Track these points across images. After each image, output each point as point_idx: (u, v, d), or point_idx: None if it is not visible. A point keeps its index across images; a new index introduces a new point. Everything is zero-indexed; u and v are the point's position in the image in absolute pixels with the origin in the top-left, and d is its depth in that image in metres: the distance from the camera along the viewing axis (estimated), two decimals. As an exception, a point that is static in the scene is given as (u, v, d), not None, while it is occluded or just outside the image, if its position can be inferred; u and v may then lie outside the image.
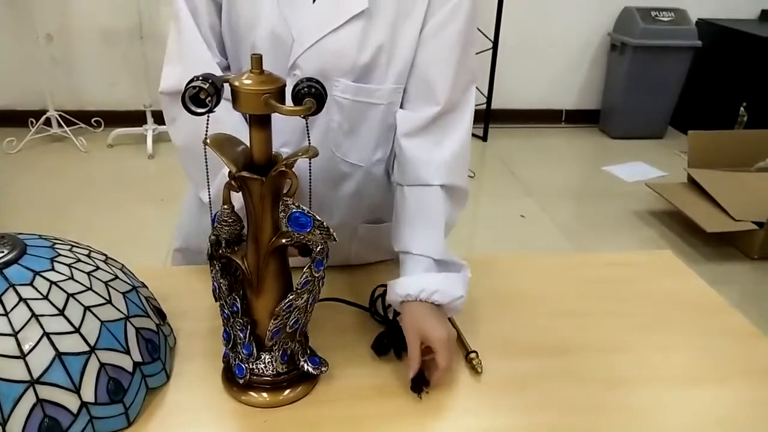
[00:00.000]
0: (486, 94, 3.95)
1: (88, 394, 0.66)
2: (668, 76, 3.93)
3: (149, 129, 3.48)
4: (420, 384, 0.76)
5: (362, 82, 0.84)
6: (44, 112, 3.46)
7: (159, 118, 3.51)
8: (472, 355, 0.82)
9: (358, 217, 0.98)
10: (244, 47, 0.83)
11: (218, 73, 0.81)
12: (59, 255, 0.73)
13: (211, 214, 0.72)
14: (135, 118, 3.53)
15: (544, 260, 1.15)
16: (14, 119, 3.53)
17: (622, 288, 1.02)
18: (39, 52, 3.44)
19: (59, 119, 3.47)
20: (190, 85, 0.61)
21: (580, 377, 0.82)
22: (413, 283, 0.81)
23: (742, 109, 3.57)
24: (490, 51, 3.84)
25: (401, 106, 0.88)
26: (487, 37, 3.84)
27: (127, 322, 0.73)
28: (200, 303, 0.90)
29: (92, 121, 3.62)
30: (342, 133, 0.87)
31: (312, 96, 0.62)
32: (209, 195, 0.71)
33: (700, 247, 2.73)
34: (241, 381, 0.75)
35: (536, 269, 1.08)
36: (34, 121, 3.45)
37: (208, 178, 0.70)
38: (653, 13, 3.84)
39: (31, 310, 0.65)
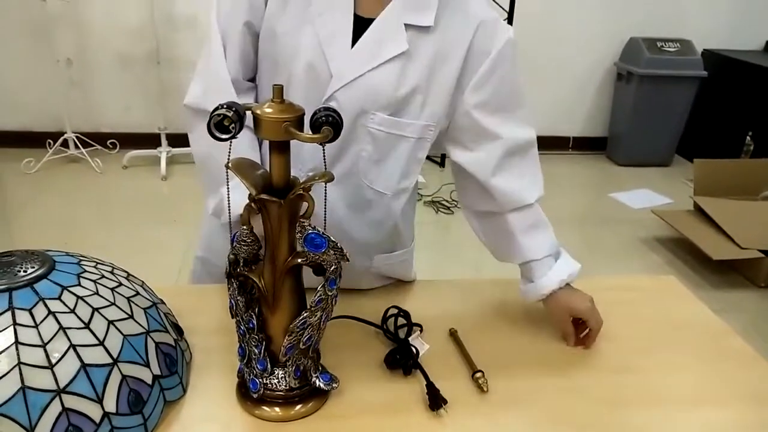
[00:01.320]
0: (494, 120, 4.01)
1: (110, 404, 0.69)
2: (674, 104, 3.98)
3: (163, 151, 3.55)
4: (438, 401, 0.79)
5: (397, 116, 0.88)
6: (62, 133, 3.54)
7: (173, 140, 3.58)
8: (478, 374, 0.85)
9: (375, 245, 1.01)
10: (281, 76, 0.87)
11: (236, 96, 0.87)
12: (85, 271, 0.77)
13: (228, 223, 0.77)
14: (149, 141, 3.61)
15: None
16: (33, 140, 3.62)
17: (625, 311, 1.04)
18: (58, 76, 3.54)
19: (76, 141, 3.55)
20: (215, 113, 0.65)
21: (584, 397, 0.84)
22: (552, 279, 0.95)
23: (748, 138, 3.60)
24: (498, 79, 3.90)
25: (467, 150, 0.95)
26: (495, 65, 3.91)
27: (148, 337, 0.76)
28: (214, 320, 0.93)
29: (108, 142, 3.70)
30: (372, 162, 0.91)
31: (329, 125, 0.66)
32: (228, 211, 0.74)
33: (706, 274, 2.73)
34: (255, 395, 0.77)
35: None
36: (51, 142, 3.53)
37: (229, 199, 0.74)
38: (659, 44, 3.91)
39: (59, 323, 0.69)
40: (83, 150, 3.55)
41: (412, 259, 1.11)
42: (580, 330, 0.95)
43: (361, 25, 0.85)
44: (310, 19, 0.84)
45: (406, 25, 0.84)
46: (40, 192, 3.28)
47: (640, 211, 3.42)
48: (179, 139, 3.55)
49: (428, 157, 1.00)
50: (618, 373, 0.89)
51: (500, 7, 3.76)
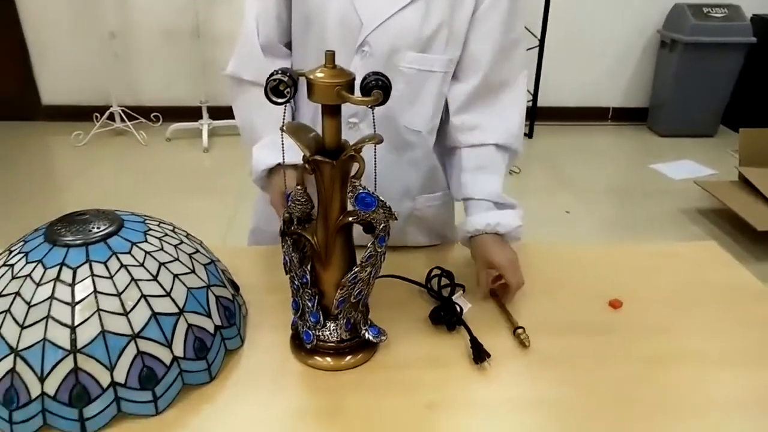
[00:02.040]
0: (531, 91, 3.96)
1: (178, 349, 0.75)
2: (720, 73, 3.86)
3: (205, 124, 3.64)
4: (482, 355, 0.83)
5: (425, 52, 0.93)
6: (108, 107, 3.66)
7: (214, 113, 3.66)
8: (519, 330, 0.88)
9: (417, 186, 1.07)
10: (314, 29, 0.94)
11: (267, 64, 0.95)
12: (150, 229, 0.83)
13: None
14: (191, 114, 3.70)
15: (589, 249, 1.20)
16: (81, 114, 3.76)
17: (664, 275, 1.06)
18: (103, 50, 3.65)
19: (122, 114, 3.67)
20: (270, 78, 0.69)
21: (621, 355, 0.87)
22: (479, 220, 0.96)
23: (798, 106, 3.47)
24: (537, 48, 3.85)
25: (453, 79, 0.99)
26: (533, 34, 3.85)
27: (209, 290, 0.82)
28: (265, 280, 0.98)
29: (151, 115, 3.81)
30: (406, 101, 0.96)
31: (379, 88, 0.69)
32: (285, 176, 0.79)
33: (749, 245, 2.69)
34: (309, 346, 0.82)
35: (582, 257, 1.13)
36: (98, 115, 3.66)
37: (284, 164, 0.79)
38: (705, 10, 3.78)
39: (130, 275, 0.75)
40: (128, 123, 3.66)
41: (453, 204, 1.16)
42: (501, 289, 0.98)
43: None
44: None
45: None
46: (88, 163, 3.41)
47: (681, 182, 3.36)
48: (220, 112, 3.63)
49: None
50: (656, 333, 0.91)
51: (540, -26, 3.68)
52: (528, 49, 3.86)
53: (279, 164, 0.93)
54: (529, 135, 4.04)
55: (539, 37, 3.82)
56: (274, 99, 0.69)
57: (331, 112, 0.72)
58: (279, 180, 0.92)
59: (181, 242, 0.85)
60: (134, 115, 3.74)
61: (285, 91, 0.69)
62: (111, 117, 3.68)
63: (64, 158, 3.56)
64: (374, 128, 0.74)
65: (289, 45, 1.02)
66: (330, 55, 0.70)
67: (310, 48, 0.96)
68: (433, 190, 1.10)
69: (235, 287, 0.92)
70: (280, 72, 0.69)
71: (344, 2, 0.90)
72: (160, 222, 0.88)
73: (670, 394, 0.80)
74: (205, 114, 3.66)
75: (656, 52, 4.11)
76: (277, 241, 1.14)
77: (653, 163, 3.66)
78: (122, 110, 3.68)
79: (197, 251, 0.87)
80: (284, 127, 0.73)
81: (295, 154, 0.94)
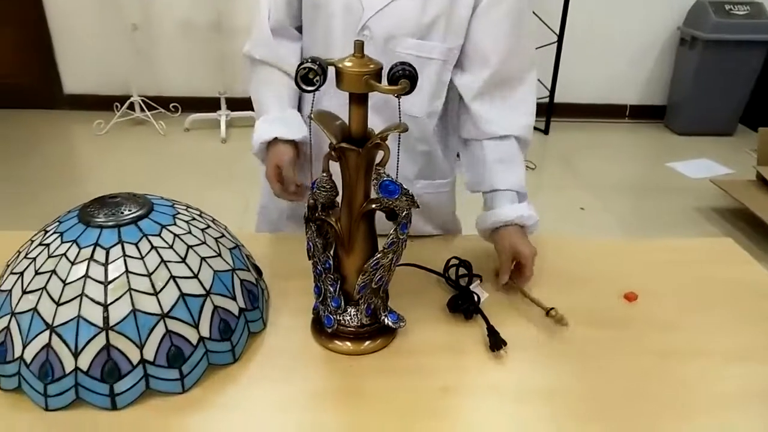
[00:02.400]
0: (549, 87, 3.95)
1: (204, 330, 0.77)
2: (741, 71, 3.82)
3: (223, 114, 3.67)
4: (498, 343, 0.84)
5: (423, 39, 0.96)
6: (128, 97, 3.71)
7: (232, 104, 3.70)
8: (552, 311, 0.90)
9: (416, 171, 1.10)
10: (321, 14, 0.99)
11: (276, 47, 1.03)
12: (179, 213, 0.85)
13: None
14: (210, 104, 3.74)
15: (604, 243, 1.21)
16: (102, 104, 3.81)
17: (680, 270, 1.07)
18: (125, 41, 3.69)
19: (141, 104, 3.72)
20: (301, 67, 0.71)
21: (636, 348, 0.88)
22: (508, 212, 0.99)
23: (819, 106, 3.43)
24: (555, 44, 3.83)
25: (462, 71, 1.01)
26: (551, 29, 3.83)
27: (234, 274, 0.84)
28: (286, 266, 1.00)
29: (170, 106, 3.86)
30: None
31: (406, 77, 0.71)
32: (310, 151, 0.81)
33: (765, 245, 2.67)
34: (330, 330, 0.85)
35: (598, 251, 1.14)
36: (119, 105, 3.71)
37: (311, 155, 0.81)
38: (727, 7, 3.74)
39: (160, 256, 0.77)
40: (148, 113, 3.71)
41: (454, 195, 1.19)
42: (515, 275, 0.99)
43: None
44: None
45: None
46: (108, 152, 3.46)
47: (698, 181, 3.34)
48: (238, 103, 3.66)
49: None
50: (670, 327, 0.92)
51: (559, -31, 3.66)
52: (546, 45, 3.87)
53: (276, 138, 0.98)
54: (545, 131, 4.03)
55: (558, 33, 3.80)
56: (304, 87, 0.71)
57: (359, 100, 0.74)
58: (275, 153, 0.98)
59: (208, 226, 0.88)
60: (154, 105, 3.79)
61: (314, 80, 0.71)
62: (131, 107, 3.72)
63: (85, 146, 3.62)
64: (399, 117, 0.75)
65: (299, 29, 1.06)
66: (359, 45, 0.72)
67: (318, 32, 1.01)
68: (432, 177, 1.12)
69: (258, 272, 0.94)
70: (309, 60, 0.71)
71: None
72: (188, 207, 0.90)
73: (683, 388, 0.81)
74: (223, 105, 3.69)
75: (675, 49, 4.08)
76: (282, 218, 1.17)
77: (670, 161, 3.64)
78: (142, 100, 3.73)
79: (223, 236, 0.89)
80: (312, 115, 0.75)
81: (291, 131, 0.99)
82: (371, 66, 0.71)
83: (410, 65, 0.72)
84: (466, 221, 1.21)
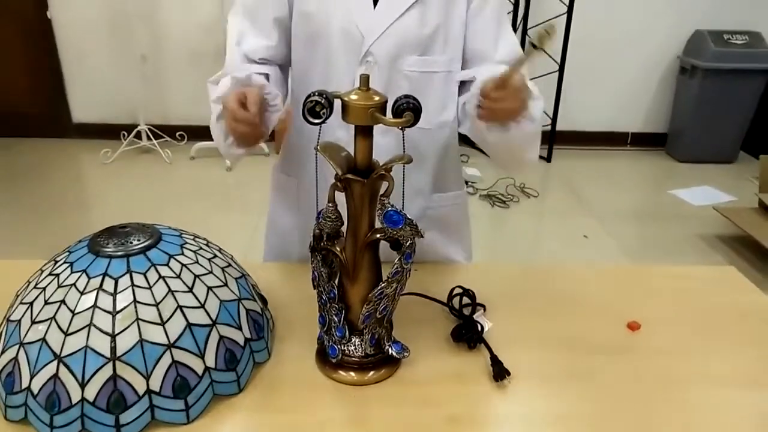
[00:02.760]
0: (551, 115, 3.99)
1: (210, 360, 0.78)
2: (741, 99, 3.86)
3: (228, 143, 3.71)
4: (502, 373, 0.84)
5: (425, 55, 0.99)
6: (135, 126, 3.76)
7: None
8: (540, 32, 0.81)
9: (429, 184, 1.11)
10: (321, 44, 1.00)
11: (246, 71, 0.99)
12: (186, 243, 0.87)
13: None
14: (215, 133, 3.78)
15: (608, 270, 1.21)
16: (109, 132, 3.87)
17: (683, 298, 1.07)
18: (134, 72, 3.76)
19: (148, 132, 3.77)
20: (308, 100, 0.73)
21: (639, 376, 0.88)
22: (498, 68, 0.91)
23: (820, 134, 3.45)
24: (557, 73, 3.89)
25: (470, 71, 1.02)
26: (552, 58, 3.89)
27: (240, 303, 0.85)
28: (291, 295, 1.01)
29: (177, 134, 3.91)
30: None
31: (410, 110, 0.72)
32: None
33: (769, 273, 2.67)
34: (334, 360, 0.85)
35: (600, 278, 1.14)
36: (126, 134, 3.76)
37: (317, 186, 0.82)
38: (726, 36, 3.80)
39: (168, 286, 0.78)
40: (155, 141, 3.76)
41: (467, 209, 1.21)
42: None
43: None
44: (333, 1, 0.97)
45: None
46: (115, 180, 3.50)
47: (701, 208, 3.35)
48: (243, 132, 3.70)
49: (483, 151, 1.07)
50: (673, 355, 0.92)
51: (560, 0, 3.74)
52: (547, 74, 3.92)
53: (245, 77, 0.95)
54: (547, 159, 4.06)
55: (558, 62, 3.86)
56: (311, 119, 0.73)
57: (364, 132, 0.76)
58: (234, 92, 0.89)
59: (215, 256, 0.89)
60: (160, 133, 3.84)
61: (321, 112, 0.73)
62: (138, 135, 3.78)
63: (92, 175, 3.66)
64: (404, 148, 0.77)
65: (281, 66, 1.07)
66: (364, 78, 0.74)
67: (318, 63, 1.01)
68: (446, 189, 1.14)
69: (264, 301, 0.95)
70: (316, 94, 0.73)
71: (345, 19, 0.97)
72: (195, 236, 0.92)
73: (688, 414, 0.81)
74: (228, 133, 3.74)
75: (676, 77, 4.13)
76: (291, 235, 1.18)
77: (672, 188, 3.65)
78: (149, 129, 3.78)
79: (229, 265, 0.90)
80: (318, 146, 0.77)
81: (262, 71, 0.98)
82: (376, 99, 0.73)
83: (414, 98, 0.74)
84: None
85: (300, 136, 1.10)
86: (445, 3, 0.99)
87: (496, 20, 1.03)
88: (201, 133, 3.86)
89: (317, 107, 0.73)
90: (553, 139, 4.04)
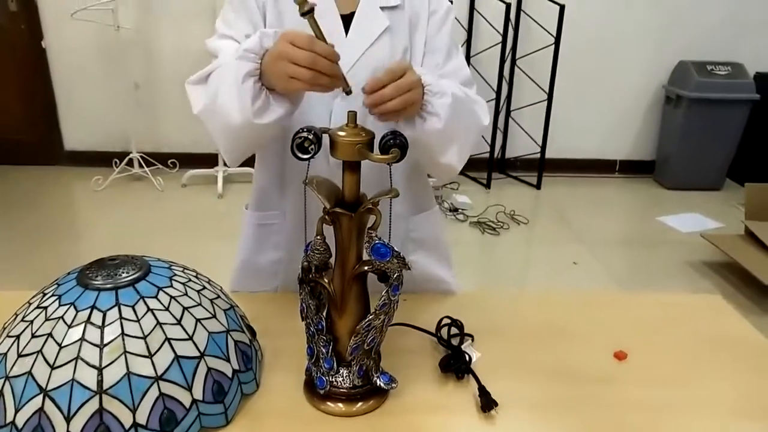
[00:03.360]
0: (540, 143, 4.05)
1: (197, 392, 0.78)
2: (725, 128, 3.93)
3: (220, 170, 3.73)
4: (489, 403, 0.85)
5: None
6: (127, 153, 3.78)
7: (228, 160, 3.76)
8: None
9: (406, 207, 1.12)
10: None
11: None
12: (175, 275, 0.87)
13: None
14: (207, 160, 3.80)
15: (594, 298, 1.22)
16: (101, 160, 3.87)
17: (669, 326, 1.08)
18: (126, 100, 3.79)
19: (140, 160, 3.78)
20: (297, 136, 0.75)
21: (626, 406, 0.88)
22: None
23: (803, 162, 3.52)
24: (545, 102, 3.95)
25: None
26: (541, 88, 3.96)
27: (228, 335, 0.85)
28: (279, 325, 1.01)
29: (169, 162, 3.92)
30: (381, 126, 0.91)
31: (397, 146, 0.74)
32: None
33: (757, 299, 2.69)
34: (322, 392, 0.85)
35: (587, 306, 1.15)
36: (118, 161, 3.77)
37: (305, 219, 0.83)
38: (709, 67, 3.89)
39: (156, 318, 0.78)
40: (146, 169, 3.77)
41: (443, 227, 1.23)
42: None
43: (346, 21, 1.01)
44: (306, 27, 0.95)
45: (381, 7, 1.02)
46: (107, 208, 3.50)
47: (689, 235, 3.38)
48: (235, 160, 3.72)
49: (474, 179, 1.09)
50: (659, 384, 0.93)
51: (547, 31, 3.83)
52: (536, 103, 3.99)
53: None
54: (537, 186, 4.10)
55: (547, 91, 3.93)
56: (300, 155, 0.74)
57: (351, 168, 0.77)
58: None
59: (204, 287, 0.89)
60: (152, 161, 3.85)
61: (309, 148, 0.75)
62: (130, 163, 3.78)
63: (83, 202, 3.65)
64: (390, 182, 0.78)
65: None
66: (352, 116, 0.76)
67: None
68: (423, 210, 1.16)
69: (252, 332, 0.95)
70: (305, 130, 0.75)
71: None
72: (185, 268, 0.92)
73: (677, 446, 0.81)
74: (220, 161, 3.76)
75: (662, 107, 4.21)
76: (266, 275, 1.17)
77: (660, 215, 3.69)
78: (141, 156, 3.79)
79: (218, 297, 0.90)
80: (306, 180, 0.78)
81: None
82: (363, 135, 0.75)
83: (400, 134, 0.76)
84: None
85: (270, 173, 1.10)
86: (409, 27, 1.04)
87: (449, 39, 1.07)
88: (193, 160, 3.88)
89: (306, 143, 0.74)
90: (542, 166, 4.08)
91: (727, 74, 3.88)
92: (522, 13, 3.92)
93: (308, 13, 0.75)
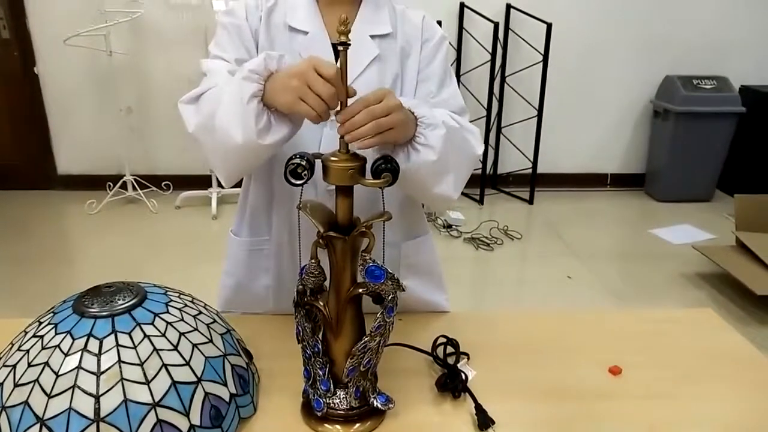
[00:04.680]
0: (531, 158, 4.08)
1: (195, 418, 0.78)
2: (713, 140, 3.98)
3: (214, 192, 3.74)
4: (487, 422, 0.85)
5: None
6: (121, 176, 3.78)
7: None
8: None
9: (399, 234, 1.12)
10: None
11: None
12: (171, 300, 0.88)
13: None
14: (201, 182, 3.81)
15: (586, 315, 1.23)
16: (95, 183, 3.88)
17: (662, 341, 1.09)
18: (119, 123, 3.81)
19: (134, 183, 3.78)
20: (290, 162, 0.76)
21: (621, 422, 0.89)
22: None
23: (791, 172, 3.56)
24: (535, 118, 4.00)
25: None
26: (531, 104, 4.01)
27: (225, 359, 0.86)
28: (275, 347, 1.01)
29: (162, 184, 3.93)
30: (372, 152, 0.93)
31: (388, 171, 0.76)
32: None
33: (751, 310, 2.70)
34: (319, 414, 0.85)
35: (580, 322, 1.17)
36: (111, 184, 3.77)
37: (300, 242, 0.84)
38: (695, 81, 3.95)
39: (153, 345, 0.79)
40: (140, 191, 3.77)
41: (436, 252, 1.23)
42: None
43: (336, 49, 0.98)
44: (297, 56, 0.99)
45: (371, 36, 1.03)
46: (101, 231, 3.49)
47: (681, 247, 3.41)
48: (228, 181, 3.74)
49: (467, 195, 1.10)
50: (654, 399, 0.94)
51: (535, 49, 3.88)
52: (527, 119, 4.03)
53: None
54: (530, 201, 4.13)
55: (537, 107, 3.97)
56: (293, 181, 0.76)
57: (344, 192, 0.79)
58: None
59: (200, 312, 0.90)
60: (146, 183, 3.86)
61: (302, 174, 0.76)
62: (123, 186, 3.79)
63: (77, 226, 3.65)
64: (383, 205, 0.80)
65: None
66: (344, 143, 0.77)
67: None
68: (415, 236, 1.16)
69: (249, 356, 0.96)
70: (298, 156, 0.76)
71: None
72: (180, 293, 0.93)
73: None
74: (214, 182, 3.77)
75: (650, 120, 4.26)
76: (259, 298, 1.17)
77: (652, 227, 3.72)
78: (134, 179, 3.80)
79: (214, 321, 0.91)
80: (300, 205, 0.79)
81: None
82: (356, 161, 0.76)
83: (392, 158, 0.77)
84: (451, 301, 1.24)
85: (258, 199, 1.11)
86: (400, 55, 1.04)
87: (443, 67, 1.08)
88: (186, 182, 3.89)
89: (299, 169, 0.76)
90: (534, 181, 4.12)
91: (713, 88, 3.94)
92: (510, 31, 3.98)
93: (344, 45, 0.76)
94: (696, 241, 3.38)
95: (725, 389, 0.97)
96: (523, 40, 3.96)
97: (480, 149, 1.03)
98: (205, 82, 0.97)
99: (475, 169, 1.08)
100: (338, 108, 0.78)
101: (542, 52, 3.82)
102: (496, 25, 3.82)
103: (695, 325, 1.17)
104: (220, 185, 3.77)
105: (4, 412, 0.74)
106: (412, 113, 0.88)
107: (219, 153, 0.93)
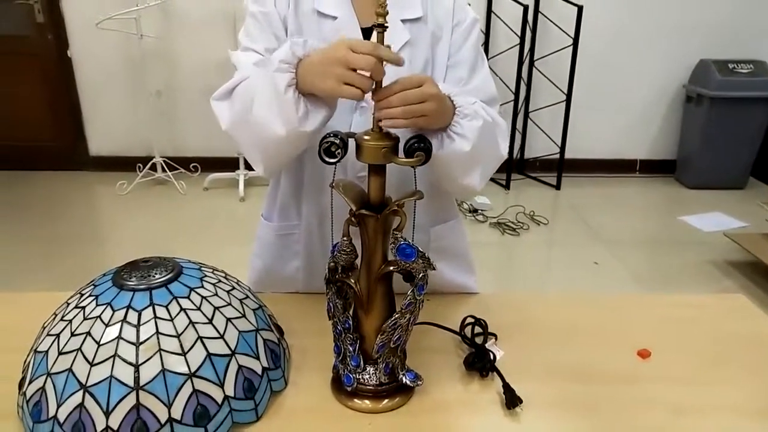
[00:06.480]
0: (559, 144, 4.03)
1: (229, 389, 0.80)
2: (748, 126, 3.88)
3: (241, 174, 3.78)
4: (514, 401, 0.86)
5: None
6: (150, 158, 3.85)
7: (250, 164, 3.82)
8: None
9: (427, 216, 1.12)
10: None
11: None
12: (206, 276, 0.90)
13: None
14: (229, 164, 3.86)
15: (617, 299, 1.23)
16: (125, 164, 3.95)
17: (692, 327, 1.08)
18: (149, 106, 3.86)
19: (163, 165, 3.85)
20: (324, 140, 0.77)
21: (651, 405, 0.89)
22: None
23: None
24: (564, 102, 3.94)
25: None
26: (560, 89, 3.95)
27: (257, 334, 0.88)
28: (306, 325, 1.03)
29: (191, 166, 3.99)
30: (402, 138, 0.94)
31: (421, 150, 0.76)
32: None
33: (783, 299, 2.66)
34: (349, 389, 0.87)
35: (610, 306, 1.16)
36: (141, 166, 3.84)
37: (332, 220, 0.85)
38: (731, 65, 3.84)
39: (189, 318, 0.81)
40: (169, 173, 3.83)
41: (465, 232, 1.22)
42: None
43: (366, 34, 1.00)
44: (326, 41, 0.94)
45: (402, 20, 1.01)
46: (130, 211, 3.56)
47: (711, 235, 3.35)
48: (255, 163, 3.78)
49: (494, 180, 1.10)
50: (683, 384, 0.93)
51: (565, 32, 3.82)
52: (555, 104, 3.98)
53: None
54: (557, 186, 4.08)
55: (566, 91, 3.91)
56: (327, 159, 0.77)
57: (377, 171, 0.79)
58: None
59: (233, 288, 0.92)
60: (174, 165, 3.92)
61: (336, 152, 0.77)
62: (153, 167, 3.86)
63: (108, 206, 3.73)
64: (415, 185, 0.80)
65: None
66: (377, 121, 0.78)
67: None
68: (444, 220, 1.16)
69: (280, 331, 0.98)
70: (332, 135, 0.77)
71: None
72: (214, 269, 0.95)
73: (701, 443, 0.82)
74: (242, 164, 3.81)
75: (682, 105, 4.17)
76: (289, 280, 1.19)
77: (682, 215, 3.65)
78: (164, 161, 3.86)
79: (247, 297, 0.93)
80: (334, 183, 0.80)
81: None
82: (389, 139, 0.77)
83: (424, 138, 0.77)
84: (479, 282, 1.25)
85: (290, 184, 1.12)
86: (431, 40, 1.03)
87: (475, 52, 1.06)
88: (214, 164, 3.94)
89: (332, 147, 0.76)
90: (562, 166, 4.07)
91: (750, 72, 3.83)
92: (540, 14, 3.92)
93: (382, 27, 0.76)
94: (728, 229, 3.32)
95: (755, 376, 0.96)
96: (553, 23, 3.90)
97: (505, 151, 1.02)
98: (236, 76, 0.98)
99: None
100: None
101: (572, 36, 3.75)
102: (526, 8, 3.76)
103: (727, 311, 1.15)
104: (247, 167, 3.81)
105: (49, 378, 0.77)
106: (451, 101, 0.88)
107: (258, 147, 0.94)
